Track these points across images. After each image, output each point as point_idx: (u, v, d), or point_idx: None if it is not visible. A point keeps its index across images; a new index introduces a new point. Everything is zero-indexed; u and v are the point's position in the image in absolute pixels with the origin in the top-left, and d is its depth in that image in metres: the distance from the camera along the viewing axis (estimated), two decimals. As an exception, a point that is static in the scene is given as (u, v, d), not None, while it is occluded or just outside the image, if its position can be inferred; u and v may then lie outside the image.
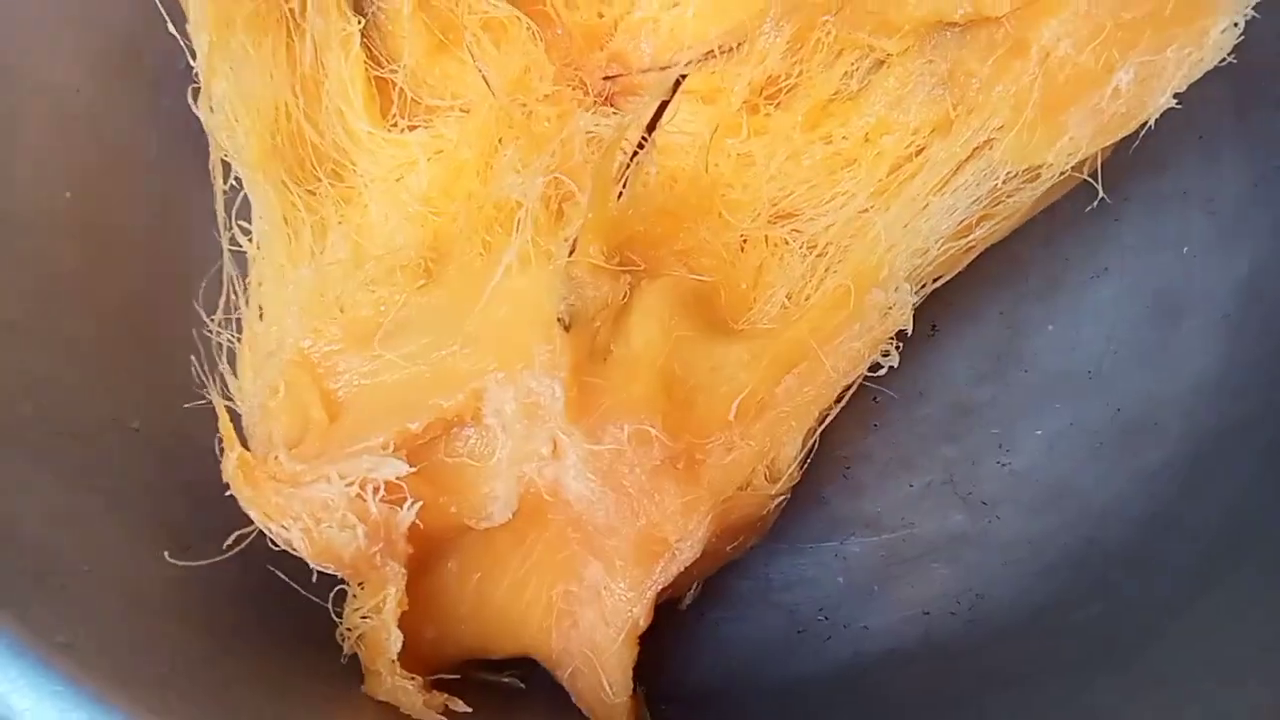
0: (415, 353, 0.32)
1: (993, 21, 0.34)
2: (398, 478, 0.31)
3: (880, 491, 0.42)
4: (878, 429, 0.43)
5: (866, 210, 0.35)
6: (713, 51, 0.39)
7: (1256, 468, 0.36)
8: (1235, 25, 0.32)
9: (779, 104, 0.38)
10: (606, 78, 0.42)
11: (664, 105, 0.32)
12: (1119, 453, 0.40)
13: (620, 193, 0.32)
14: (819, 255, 0.35)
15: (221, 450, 0.32)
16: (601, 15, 0.41)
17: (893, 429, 0.43)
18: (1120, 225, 0.43)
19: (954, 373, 0.43)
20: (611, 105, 0.43)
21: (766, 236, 0.36)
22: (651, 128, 0.32)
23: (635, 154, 0.32)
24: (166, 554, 0.31)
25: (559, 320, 0.30)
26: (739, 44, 0.39)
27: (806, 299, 0.34)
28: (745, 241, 0.36)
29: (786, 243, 0.36)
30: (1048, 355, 0.43)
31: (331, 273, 0.34)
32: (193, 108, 0.38)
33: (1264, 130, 0.42)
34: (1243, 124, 0.42)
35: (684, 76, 0.33)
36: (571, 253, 0.32)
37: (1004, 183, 0.33)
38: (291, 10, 0.39)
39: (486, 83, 0.35)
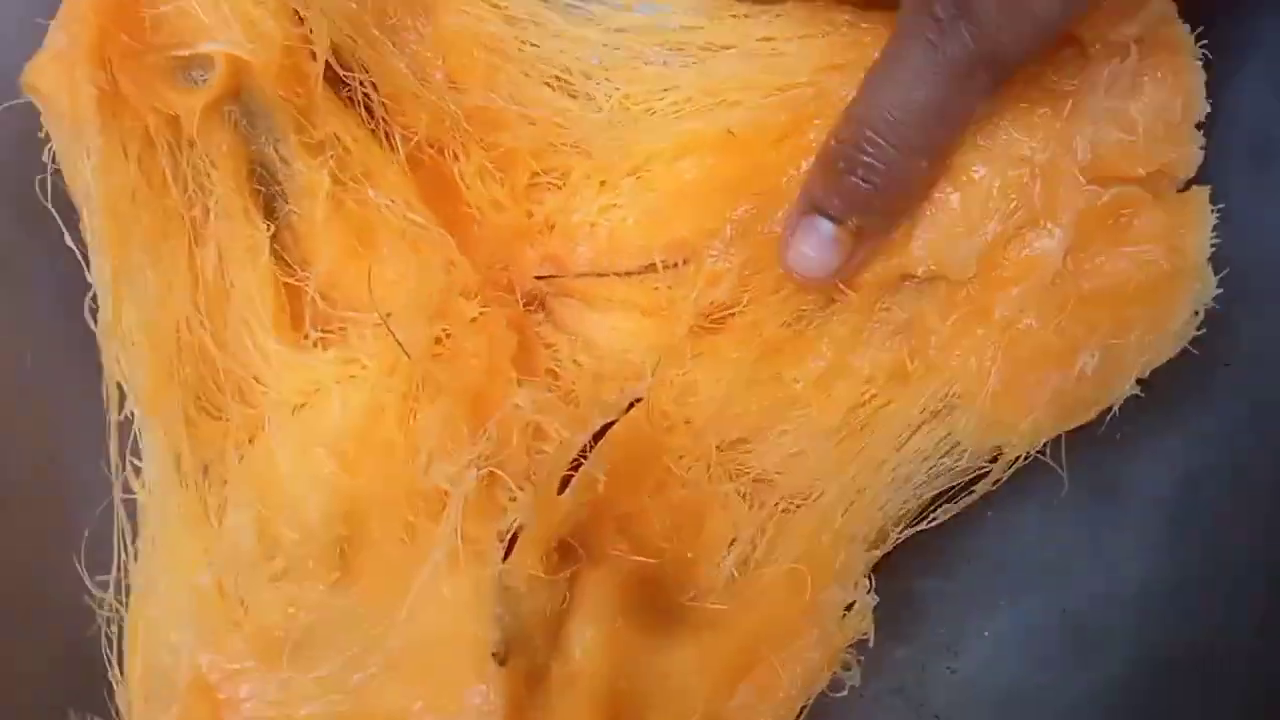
0: (330, 677, 0.29)
1: (955, 282, 0.32)
2: None
3: (831, 702, 0.40)
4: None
5: (815, 465, 0.33)
6: (654, 264, 0.37)
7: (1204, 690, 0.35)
8: (1196, 314, 0.31)
9: (723, 329, 0.36)
10: (539, 277, 0.39)
11: (611, 423, 0.30)
12: (1069, 659, 0.40)
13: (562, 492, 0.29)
14: (766, 511, 0.33)
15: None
16: (531, 214, 0.38)
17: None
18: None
19: (899, 562, 0.42)
20: (543, 309, 0.40)
21: (711, 482, 0.34)
22: (598, 438, 0.29)
23: (579, 463, 0.29)
24: None
25: (493, 655, 0.28)
26: (684, 260, 0.36)
27: (756, 568, 0.32)
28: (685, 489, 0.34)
29: (741, 494, 0.34)
30: (991, 544, 0.41)
31: (232, 562, 0.30)
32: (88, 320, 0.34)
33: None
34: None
35: (638, 400, 0.30)
36: (506, 555, 0.29)
37: (963, 462, 0.31)
38: (194, 218, 0.35)
39: (400, 346, 0.32)
